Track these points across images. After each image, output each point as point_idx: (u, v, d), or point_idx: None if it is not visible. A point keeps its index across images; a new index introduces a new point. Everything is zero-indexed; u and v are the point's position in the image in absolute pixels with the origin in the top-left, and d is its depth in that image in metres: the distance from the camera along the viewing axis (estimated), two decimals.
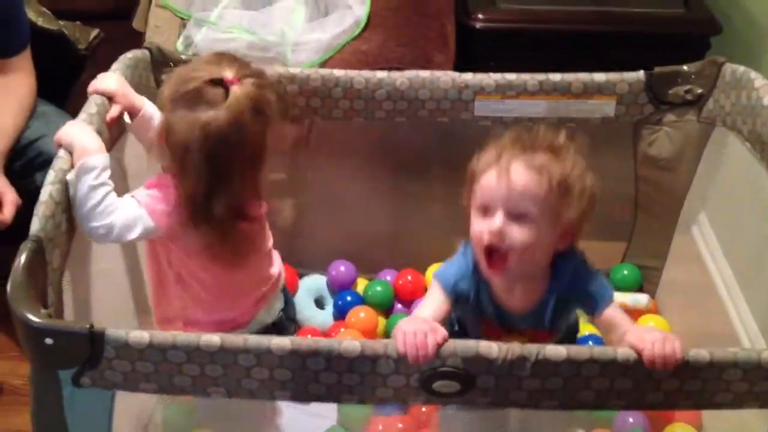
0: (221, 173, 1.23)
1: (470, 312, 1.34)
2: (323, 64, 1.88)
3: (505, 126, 1.61)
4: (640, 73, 1.61)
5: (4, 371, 1.80)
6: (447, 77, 1.60)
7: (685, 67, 1.62)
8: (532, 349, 1.06)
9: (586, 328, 1.66)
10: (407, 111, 1.62)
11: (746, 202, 1.51)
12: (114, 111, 1.34)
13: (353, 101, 1.61)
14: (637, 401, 1.11)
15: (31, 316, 1.03)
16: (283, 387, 1.07)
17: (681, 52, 1.73)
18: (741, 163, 1.51)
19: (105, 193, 1.22)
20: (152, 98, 1.40)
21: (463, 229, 1.81)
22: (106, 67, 1.44)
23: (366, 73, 1.60)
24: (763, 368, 1.07)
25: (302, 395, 1.09)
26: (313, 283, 1.83)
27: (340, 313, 1.77)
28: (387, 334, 1.72)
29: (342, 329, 1.71)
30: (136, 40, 1.89)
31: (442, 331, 1.08)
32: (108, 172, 1.24)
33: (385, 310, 1.80)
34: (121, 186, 1.32)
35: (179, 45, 1.93)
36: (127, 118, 1.38)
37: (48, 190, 1.18)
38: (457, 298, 1.30)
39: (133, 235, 1.25)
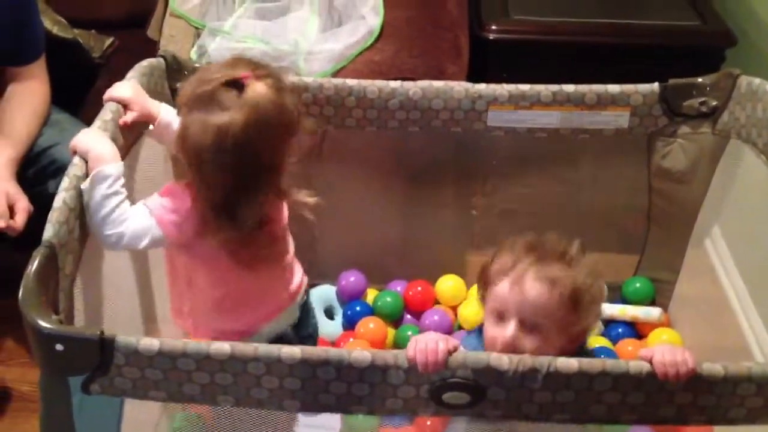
0: (241, 174, 1.22)
1: None
2: (336, 74, 1.88)
3: (518, 136, 1.62)
4: (655, 85, 1.60)
5: (14, 377, 1.80)
6: (460, 87, 1.60)
7: (700, 80, 1.61)
8: (543, 361, 1.05)
9: (596, 342, 1.64)
10: (420, 120, 1.62)
11: (760, 216, 1.50)
12: (128, 117, 1.34)
13: (366, 110, 1.61)
14: (650, 415, 1.10)
15: (42, 322, 1.03)
16: (293, 396, 1.07)
17: (696, 65, 1.71)
18: (756, 176, 1.50)
19: (118, 202, 1.23)
20: None
21: (474, 241, 1.81)
22: (120, 76, 1.44)
23: (379, 83, 1.60)
24: None
25: (312, 405, 1.08)
26: (322, 293, 1.83)
27: (349, 324, 1.77)
28: (396, 345, 1.72)
29: (351, 339, 1.71)
30: (150, 48, 1.89)
31: (454, 341, 1.08)
32: (122, 181, 1.24)
33: (395, 320, 1.79)
34: (133, 192, 1.32)
35: (193, 54, 1.94)
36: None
37: (62, 196, 1.18)
38: None
39: (142, 244, 1.25)
